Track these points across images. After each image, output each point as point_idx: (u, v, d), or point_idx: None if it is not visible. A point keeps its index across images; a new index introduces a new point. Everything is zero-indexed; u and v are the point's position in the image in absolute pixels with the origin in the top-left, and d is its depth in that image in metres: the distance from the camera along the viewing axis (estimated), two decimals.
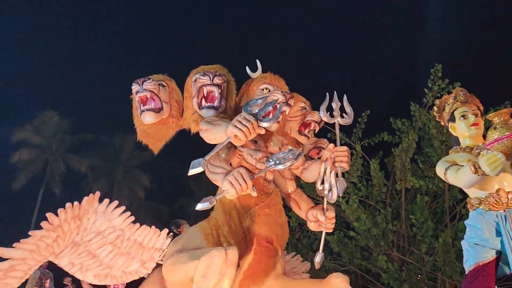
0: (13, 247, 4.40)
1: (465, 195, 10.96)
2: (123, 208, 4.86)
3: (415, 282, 11.24)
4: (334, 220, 4.26)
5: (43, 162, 23.57)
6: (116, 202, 4.83)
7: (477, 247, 3.43)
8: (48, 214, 4.48)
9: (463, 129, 3.82)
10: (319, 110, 4.10)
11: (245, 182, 3.79)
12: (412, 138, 11.16)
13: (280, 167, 3.94)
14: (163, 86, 4.52)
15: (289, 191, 4.52)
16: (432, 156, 11.00)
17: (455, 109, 3.88)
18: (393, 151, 11.58)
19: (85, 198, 4.67)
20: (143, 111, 4.44)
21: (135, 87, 4.47)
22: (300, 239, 12.47)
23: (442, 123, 4.14)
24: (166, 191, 24.59)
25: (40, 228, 4.48)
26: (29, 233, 4.48)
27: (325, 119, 4.06)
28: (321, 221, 4.19)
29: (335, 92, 4.06)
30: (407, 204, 11.60)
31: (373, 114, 11.45)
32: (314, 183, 4.19)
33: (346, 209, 10.72)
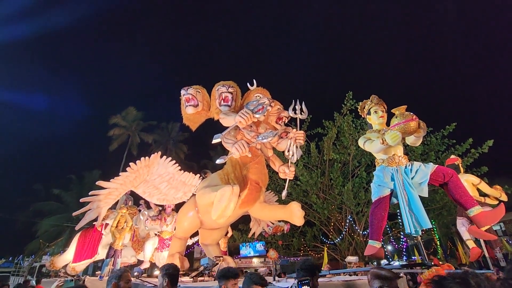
0: (110, 181, 4.25)
1: (360, 164, 11.33)
2: (174, 161, 4.72)
3: (330, 209, 11.36)
4: (294, 172, 4.19)
5: (127, 136, 23.04)
6: (169, 158, 4.68)
7: (380, 187, 3.40)
8: (131, 163, 4.32)
9: (374, 119, 3.75)
10: (288, 110, 3.99)
11: (245, 148, 3.72)
12: (334, 132, 11.18)
13: (264, 141, 3.84)
14: (198, 92, 4.37)
15: (269, 155, 4.42)
16: (344, 141, 11.03)
17: (370, 107, 3.80)
18: (323, 138, 11.57)
19: (152, 155, 4.51)
20: (187, 106, 4.31)
21: (182, 92, 4.35)
22: (270, 184, 12.46)
23: (363, 116, 4.00)
24: (196, 155, 24.46)
25: (125, 171, 4.34)
26: (120, 173, 4.31)
27: (291, 115, 3.95)
28: (287, 172, 4.11)
29: (297, 99, 3.95)
30: (329, 167, 11.64)
31: (314, 117, 11.31)
32: (283, 152, 4.08)
33: (296, 169, 10.69)
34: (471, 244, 4.73)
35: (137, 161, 4.31)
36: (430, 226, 2.96)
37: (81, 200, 4.12)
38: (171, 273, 2.44)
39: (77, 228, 4.14)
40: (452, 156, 5.76)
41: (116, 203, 6.21)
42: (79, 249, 6.48)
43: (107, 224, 6.34)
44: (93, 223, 6.26)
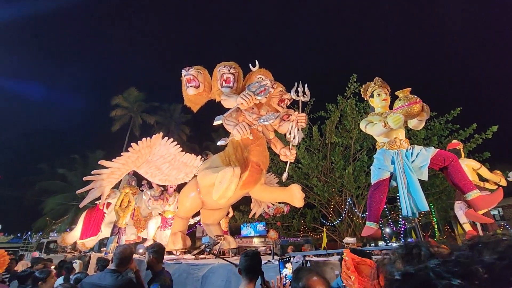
0: (112, 161, 4.29)
1: (362, 148, 11.33)
2: (175, 142, 4.74)
3: (331, 192, 11.46)
4: (295, 155, 4.21)
5: (129, 116, 22.90)
6: (171, 139, 4.70)
7: (380, 170, 3.41)
8: (132, 144, 4.35)
9: (377, 102, 3.68)
10: (290, 92, 3.94)
11: (246, 130, 3.72)
12: (336, 115, 11.10)
13: (266, 123, 3.83)
14: (200, 72, 4.31)
15: (271, 137, 4.43)
16: (346, 125, 10.95)
17: (374, 90, 3.72)
18: (326, 122, 11.50)
19: (154, 136, 4.53)
20: (188, 87, 4.27)
21: (183, 72, 4.29)
22: (271, 166, 12.55)
23: (365, 98, 3.92)
24: (198, 137, 24.52)
25: (128, 152, 4.37)
26: (122, 154, 4.35)
27: (294, 97, 3.90)
28: (288, 155, 4.13)
29: (300, 82, 3.89)
30: (330, 151, 11.63)
31: (316, 100, 11.15)
32: (285, 134, 4.07)
33: (298, 151, 10.68)
34: (467, 227, 4.81)
35: (139, 142, 4.34)
36: (427, 208, 3.00)
37: (84, 178, 4.19)
38: (157, 251, 2.49)
39: (81, 206, 4.24)
40: (454, 141, 5.72)
41: (119, 183, 6.32)
42: (85, 226, 6.70)
43: (109, 204, 6.49)
44: (96, 202, 6.42)
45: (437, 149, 3.22)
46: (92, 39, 44.05)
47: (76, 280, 2.78)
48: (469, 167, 4.77)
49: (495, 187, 4.73)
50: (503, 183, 4.74)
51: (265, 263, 3.43)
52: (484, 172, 4.83)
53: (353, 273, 1.55)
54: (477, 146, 9.41)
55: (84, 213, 6.97)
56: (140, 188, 6.89)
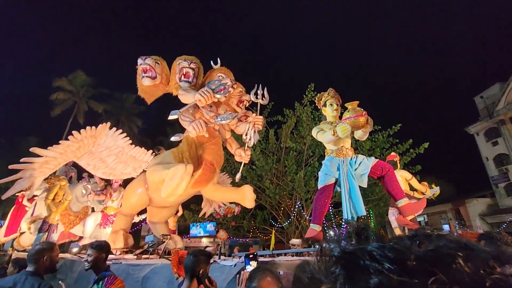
0: (48, 149, 3.86)
1: (314, 154, 11.94)
2: (124, 134, 4.45)
3: (282, 195, 11.84)
4: (249, 156, 4.26)
5: (72, 102, 20.46)
6: (120, 130, 4.40)
7: (326, 176, 3.64)
8: (74, 132, 3.97)
9: (329, 112, 3.93)
10: (250, 93, 3.98)
11: (202, 128, 3.67)
12: (293, 120, 11.53)
13: (223, 122, 3.81)
14: (157, 63, 4.11)
15: (227, 137, 4.42)
16: (301, 131, 11.45)
17: (326, 100, 3.97)
18: (282, 126, 11.86)
19: (100, 125, 4.19)
20: (143, 77, 4.05)
21: (139, 61, 4.05)
22: (225, 166, 12.52)
23: (319, 107, 4.16)
24: (151, 130, 23.26)
25: (68, 140, 3.98)
26: (60, 142, 3.94)
27: (253, 99, 3.95)
28: (242, 156, 4.16)
29: (260, 84, 3.96)
30: (284, 155, 12.00)
31: (275, 104, 11.47)
32: (241, 135, 4.10)
33: (253, 153, 10.80)
34: (397, 231, 5.40)
35: (82, 130, 3.99)
36: (364, 213, 3.30)
37: (10, 167, 3.68)
38: (104, 247, 2.27)
39: (3, 197, 3.72)
40: (392, 153, 6.40)
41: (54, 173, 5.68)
42: (11, 222, 5.89)
43: (33, 197, 5.75)
44: (17, 194, 5.68)
45: (377, 160, 3.57)
46: (35, 10, 39.01)
47: None
48: (403, 177, 5.37)
49: (422, 196, 5.40)
50: (428, 193, 5.43)
51: (211, 263, 3.41)
52: (414, 183, 5.48)
53: (177, 263, 2.36)
54: (411, 159, 10.65)
55: (13, 208, 6.13)
56: (81, 181, 6.28)
